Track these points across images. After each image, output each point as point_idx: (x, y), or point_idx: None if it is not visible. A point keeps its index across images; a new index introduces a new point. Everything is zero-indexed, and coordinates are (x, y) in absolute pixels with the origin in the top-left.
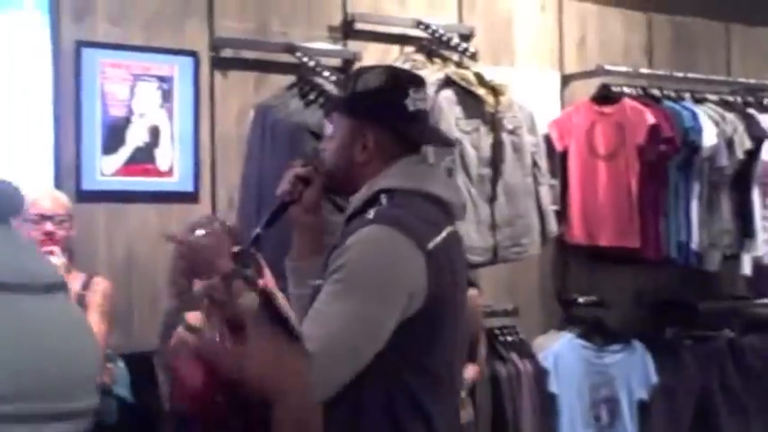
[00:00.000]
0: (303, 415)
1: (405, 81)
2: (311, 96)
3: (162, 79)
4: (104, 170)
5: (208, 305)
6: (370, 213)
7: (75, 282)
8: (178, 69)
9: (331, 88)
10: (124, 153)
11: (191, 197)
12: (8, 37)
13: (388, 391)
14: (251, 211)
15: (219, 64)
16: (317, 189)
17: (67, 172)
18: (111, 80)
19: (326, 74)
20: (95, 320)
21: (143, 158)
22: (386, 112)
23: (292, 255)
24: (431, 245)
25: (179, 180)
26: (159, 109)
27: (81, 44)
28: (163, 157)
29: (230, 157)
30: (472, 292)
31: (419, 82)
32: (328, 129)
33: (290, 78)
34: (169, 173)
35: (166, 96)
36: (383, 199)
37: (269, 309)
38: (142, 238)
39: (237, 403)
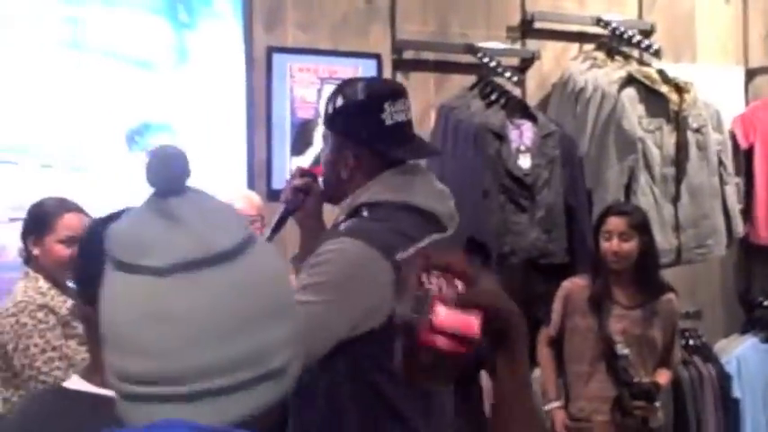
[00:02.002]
0: None
1: (381, 95)
2: (492, 97)
3: None
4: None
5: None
6: (342, 226)
7: None
8: (362, 72)
9: (511, 89)
10: (311, 154)
11: None
12: (206, 43)
13: (364, 396)
14: None
15: (401, 66)
16: (315, 197)
17: (259, 172)
18: (299, 84)
19: (507, 74)
20: None
21: None
22: (362, 128)
23: (297, 255)
24: (400, 256)
25: None
26: None
27: (272, 50)
28: None
29: None
30: (669, 296)
31: (397, 93)
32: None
33: (470, 79)
34: None
35: None
36: (364, 212)
37: None
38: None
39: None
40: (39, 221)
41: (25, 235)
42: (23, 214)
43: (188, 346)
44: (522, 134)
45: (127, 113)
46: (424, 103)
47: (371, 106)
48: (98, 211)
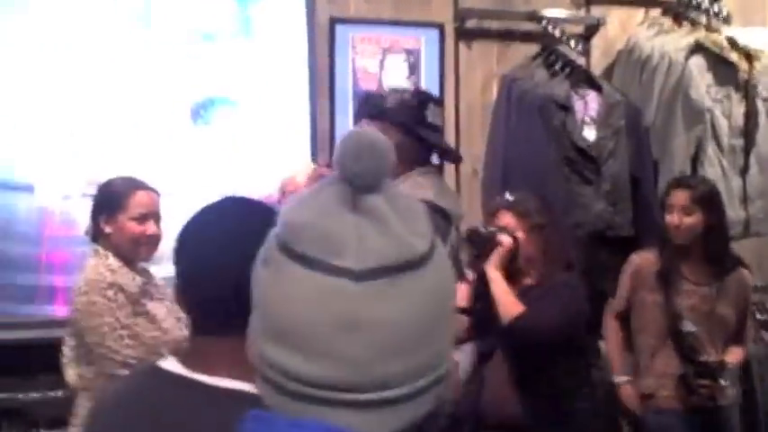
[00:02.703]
0: None
1: (427, 97)
2: (556, 66)
3: (409, 52)
4: None
5: None
6: None
7: None
8: (424, 42)
9: (575, 58)
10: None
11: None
12: (269, 16)
13: None
14: (496, 181)
15: (464, 35)
16: None
17: (322, 144)
18: (362, 54)
19: (572, 43)
20: None
21: None
22: (408, 119)
23: None
24: None
25: None
26: (406, 81)
27: (334, 20)
28: None
29: (474, 127)
30: (741, 272)
31: (439, 101)
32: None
33: (533, 48)
34: None
35: (413, 69)
36: None
37: None
38: None
39: None
40: (110, 200)
41: (96, 213)
42: (94, 190)
43: (376, 356)
44: (587, 105)
45: (192, 88)
46: (486, 73)
47: (418, 104)
48: (165, 185)
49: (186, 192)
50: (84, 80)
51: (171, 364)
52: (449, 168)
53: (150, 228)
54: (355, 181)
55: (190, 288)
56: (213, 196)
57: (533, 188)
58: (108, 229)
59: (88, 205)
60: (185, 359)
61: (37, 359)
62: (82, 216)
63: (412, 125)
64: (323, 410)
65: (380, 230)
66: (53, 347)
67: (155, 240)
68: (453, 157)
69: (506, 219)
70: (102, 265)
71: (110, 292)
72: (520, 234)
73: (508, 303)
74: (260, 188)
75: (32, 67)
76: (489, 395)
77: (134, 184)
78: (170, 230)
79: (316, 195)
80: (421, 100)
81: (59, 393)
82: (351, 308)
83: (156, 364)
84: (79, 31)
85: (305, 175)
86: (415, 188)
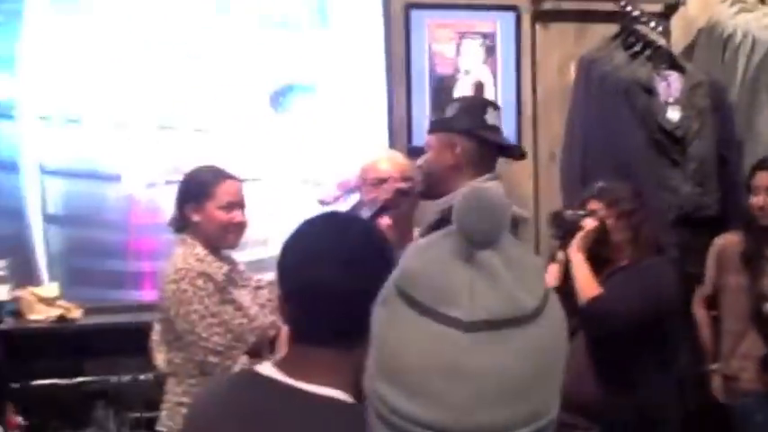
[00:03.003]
0: None
1: (484, 101)
2: (636, 48)
3: (485, 36)
4: None
5: None
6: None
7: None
8: (500, 25)
9: (656, 38)
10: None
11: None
12: (345, 2)
13: None
14: (575, 165)
15: (540, 17)
16: (414, 200)
17: (399, 130)
18: (438, 39)
19: (652, 24)
20: None
21: None
22: (470, 123)
23: None
24: None
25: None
26: (482, 65)
27: (410, 6)
28: None
29: (551, 110)
30: None
31: (495, 105)
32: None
33: (611, 28)
34: None
35: (489, 52)
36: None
37: None
38: None
39: None
40: (198, 189)
41: (183, 202)
42: (179, 177)
43: (477, 404)
44: (670, 86)
45: (271, 75)
46: (563, 55)
47: (477, 108)
48: (247, 172)
49: (268, 178)
50: (167, 70)
51: (268, 370)
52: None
53: (237, 216)
54: (472, 237)
55: (294, 301)
56: (293, 182)
57: (619, 173)
58: (196, 218)
59: (172, 193)
60: (283, 366)
61: (126, 343)
62: (166, 203)
63: (474, 129)
64: None
65: (491, 285)
66: (141, 331)
67: (241, 228)
68: (517, 153)
69: (596, 207)
70: (190, 255)
71: (199, 281)
72: (609, 221)
73: (586, 286)
74: (338, 174)
75: (117, 58)
76: (567, 376)
77: (221, 174)
78: (253, 217)
79: (434, 245)
80: (479, 104)
81: (149, 376)
82: (455, 356)
83: (253, 369)
84: (162, 22)
85: (387, 161)
86: None
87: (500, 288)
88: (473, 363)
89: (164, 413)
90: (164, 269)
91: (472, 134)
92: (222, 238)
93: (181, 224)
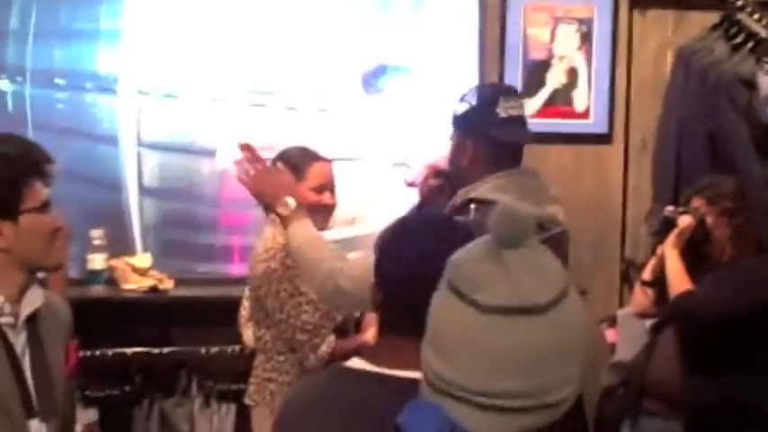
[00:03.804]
0: None
1: (495, 92)
2: (738, 39)
3: (581, 21)
4: None
5: None
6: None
7: None
8: (597, 10)
9: (759, 30)
10: (543, 95)
11: (604, 139)
12: None
13: None
14: (668, 156)
15: (638, 3)
16: (447, 196)
17: None
18: (533, 24)
19: (756, 15)
20: None
21: (561, 100)
22: (479, 119)
23: None
24: None
25: (594, 122)
26: (577, 51)
27: None
28: (580, 98)
29: (645, 98)
30: None
31: (511, 91)
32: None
33: (711, 17)
34: (585, 114)
35: (585, 38)
36: (472, 210)
37: None
38: (558, 180)
39: None
40: (290, 169)
41: None
42: (271, 155)
43: (485, 372)
44: None
45: (363, 56)
46: (660, 42)
47: (487, 103)
48: (338, 152)
49: (358, 158)
50: (262, 48)
51: (359, 363)
52: (617, 139)
53: (327, 197)
54: (499, 242)
55: (393, 294)
56: (383, 163)
57: (720, 169)
58: None
59: None
60: (372, 357)
61: (215, 314)
62: None
63: (482, 128)
64: (455, 405)
65: (508, 279)
66: (230, 304)
67: (331, 209)
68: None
69: (698, 203)
70: (280, 234)
71: (289, 261)
72: (710, 219)
73: (677, 281)
74: (429, 156)
75: (214, 35)
76: (655, 364)
77: (312, 155)
78: (342, 197)
79: (476, 244)
80: (490, 98)
81: (236, 349)
82: (472, 332)
83: (343, 365)
84: (256, 3)
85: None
86: (494, 192)
87: (513, 282)
88: (486, 339)
89: (251, 387)
90: (254, 248)
91: (478, 134)
92: (312, 219)
93: None
